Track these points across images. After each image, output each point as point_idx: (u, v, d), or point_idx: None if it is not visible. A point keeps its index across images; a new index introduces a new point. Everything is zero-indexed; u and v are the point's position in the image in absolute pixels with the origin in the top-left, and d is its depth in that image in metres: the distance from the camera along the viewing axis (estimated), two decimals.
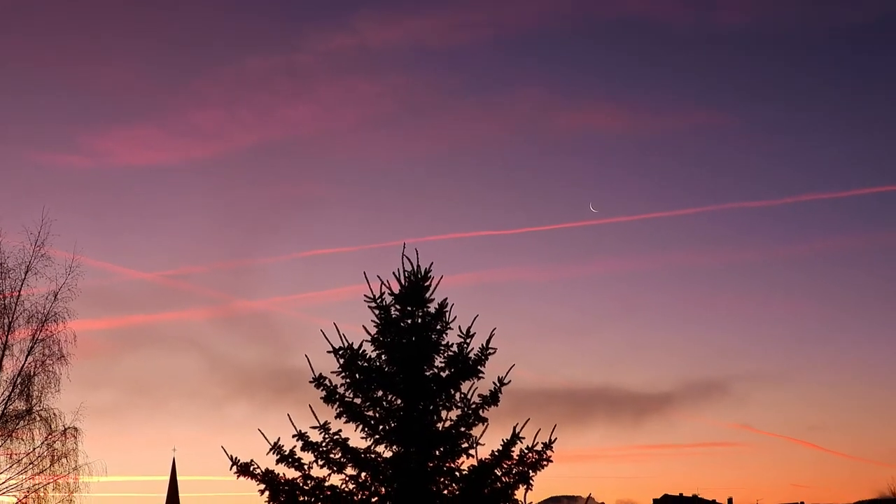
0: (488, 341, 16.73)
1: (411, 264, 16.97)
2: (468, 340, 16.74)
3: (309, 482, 16.35)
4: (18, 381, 27.72)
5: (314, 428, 16.37)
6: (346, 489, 16.38)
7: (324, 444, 16.36)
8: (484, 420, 16.55)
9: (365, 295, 16.82)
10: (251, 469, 16.31)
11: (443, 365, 16.76)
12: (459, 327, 16.81)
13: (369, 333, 16.79)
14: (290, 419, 16.43)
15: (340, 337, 16.59)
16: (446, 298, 16.88)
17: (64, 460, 28.05)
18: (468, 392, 16.62)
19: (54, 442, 28.03)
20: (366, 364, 16.61)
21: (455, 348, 16.75)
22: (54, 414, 28.10)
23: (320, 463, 16.34)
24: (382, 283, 16.84)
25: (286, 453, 16.37)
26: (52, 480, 27.92)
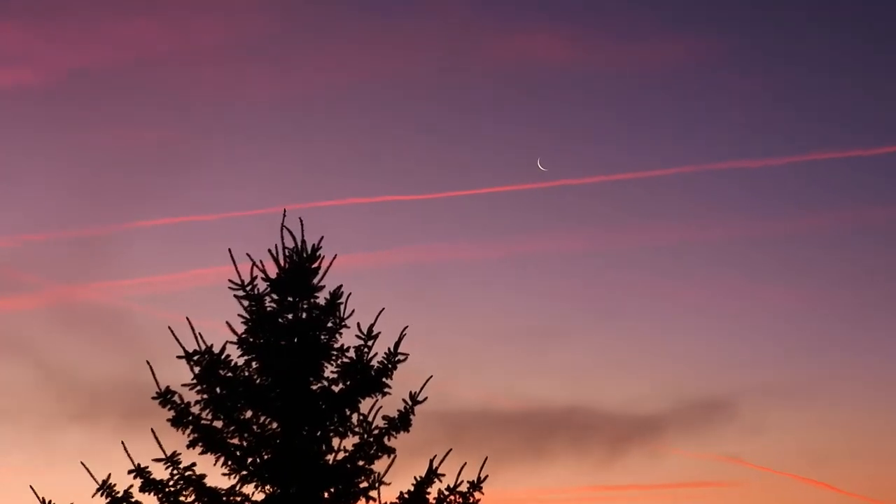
0: (397, 344, 13.58)
1: (293, 239, 13.70)
2: (370, 343, 13.60)
3: None
4: None
5: (158, 461, 13.03)
6: None
7: (171, 483, 13.05)
8: (390, 451, 13.39)
9: (230, 280, 13.54)
10: None
11: (335, 376, 13.57)
12: (359, 325, 13.65)
13: (235, 332, 13.50)
14: (124, 448, 13.03)
15: (195, 337, 13.26)
16: (341, 286, 13.73)
17: None
18: (369, 413, 13.52)
19: None
20: (230, 374, 13.35)
21: (352, 354, 13.60)
22: None
23: None
24: (254, 263, 13.55)
25: (119, 496, 12.99)
26: None
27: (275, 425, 13.35)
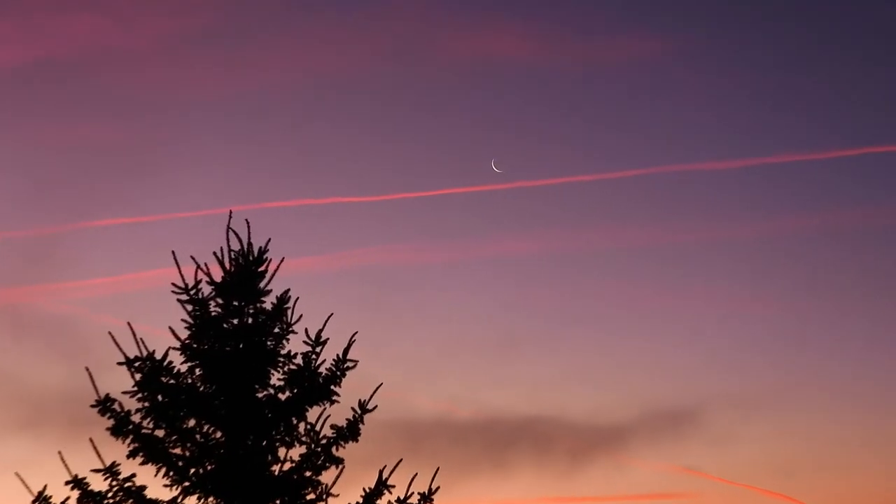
0: (346, 351, 13.17)
1: (239, 241, 13.26)
2: (318, 349, 13.17)
3: None
4: None
5: (97, 471, 12.52)
6: None
7: (110, 495, 12.54)
8: (338, 461, 12.99)
9: (173, 284, 13.05)
10: None
11: (282, 383, 13.10)
12: (306, 331, 13.22)
13: (178, 338, 12.98)
14: (61, 458, 12.51)
15: (137, 342, 12.75)
16: (289, 290, 13.28)
17: None
18: (317, 422, 13.09)
19: None
20: (172, 381, 12.85)
21: (299, 360, 13.15)
22: None
23: None
24: (198, 266, 13.09)
25: None
26: None
27: (218, 434, 12.86)
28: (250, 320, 13.15)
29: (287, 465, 12.95)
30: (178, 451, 12.80)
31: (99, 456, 12.49)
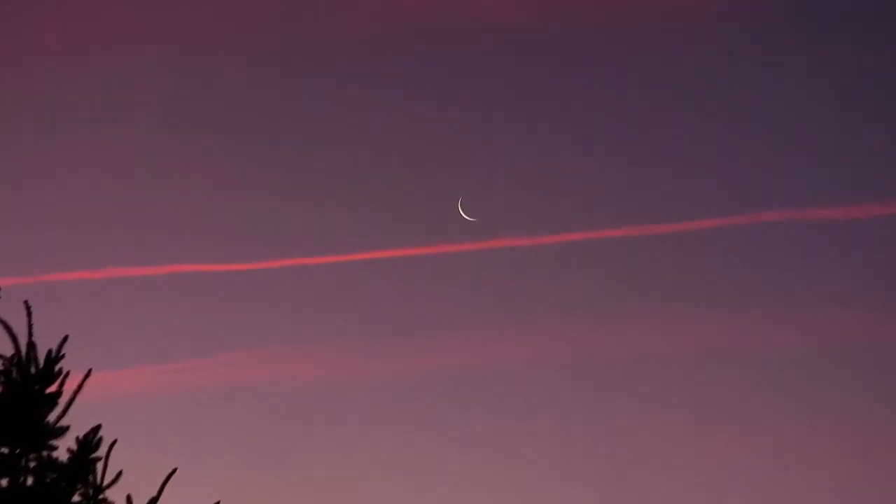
0: None
1: (13, 341, 9.15)
2: None
3: None
4: None
5: None
6: None
7: None
8: None
9: None
10: None
11: None
12: (129, 500, 9.04)
13: None
14: None
15: None
16: (99, 427, 9.28)
17: None
18: None
19: None
20: None
21: None
22: None
23: None
24: None
25: None
26: None
27: None
28: (31, 480, 9.14)
29: None
30: None
31: None
